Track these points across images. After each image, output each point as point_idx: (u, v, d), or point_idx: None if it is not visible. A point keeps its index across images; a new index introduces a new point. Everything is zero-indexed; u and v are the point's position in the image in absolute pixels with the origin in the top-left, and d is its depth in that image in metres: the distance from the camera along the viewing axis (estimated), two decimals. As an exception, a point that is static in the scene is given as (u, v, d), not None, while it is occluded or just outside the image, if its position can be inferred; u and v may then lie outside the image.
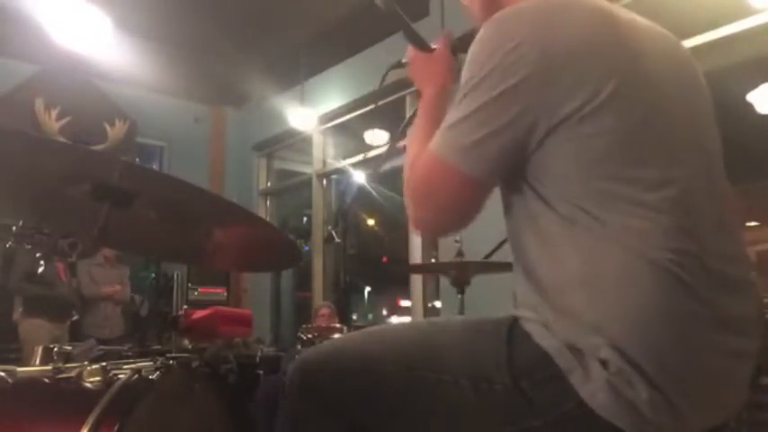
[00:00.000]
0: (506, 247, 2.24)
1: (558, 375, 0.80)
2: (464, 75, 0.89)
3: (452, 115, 0.89)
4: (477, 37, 0.89)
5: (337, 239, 1.91)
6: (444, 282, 2.71)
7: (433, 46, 1.22)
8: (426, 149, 0.92)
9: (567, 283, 0.83)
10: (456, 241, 2.27)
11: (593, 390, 0.78)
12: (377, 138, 6.14)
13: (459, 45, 1.15)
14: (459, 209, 0.94)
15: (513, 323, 0.88)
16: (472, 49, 0.89)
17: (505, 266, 2.37)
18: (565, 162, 0.84)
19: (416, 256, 5.07)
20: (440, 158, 0.90)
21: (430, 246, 5.10)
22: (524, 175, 0.88)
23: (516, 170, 0.89)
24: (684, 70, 0.96)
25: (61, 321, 4.49)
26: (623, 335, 0.78)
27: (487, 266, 2.32)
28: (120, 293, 5.07)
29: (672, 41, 0.98)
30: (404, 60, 1.27)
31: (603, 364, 0.78)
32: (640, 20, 0.96)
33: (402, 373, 0.93)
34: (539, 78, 0.82)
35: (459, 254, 2.24)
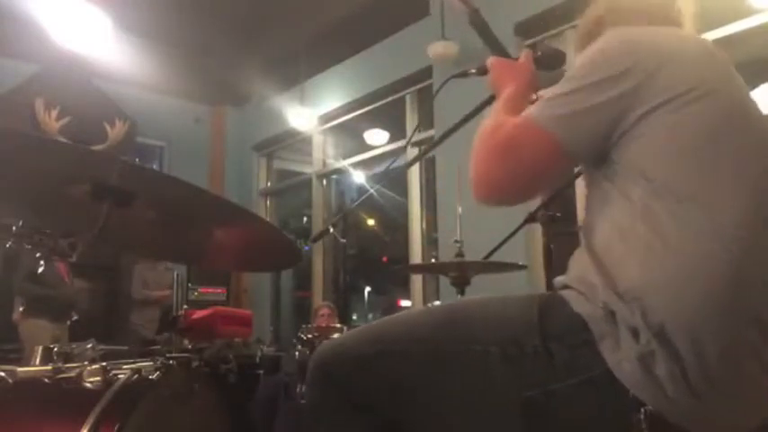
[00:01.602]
0: (506, 247, 2.25)
1: (589, 341, 0.83)
2: (574, 68, 0.96)
3: (552, 91, 0.94)
4: (599, 44, 0.97)
5: (337, 235, 1.90)
6: (444, 282, 2.72)
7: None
8: (516, 117, 0.95)
9: (624, 249, 0.86)
10: (456, 241, 2.27)
11: (620, 359, 0.80)
12: (377, 138, 6.14)
13: (541, 59, 1.24)
14: (537, 173, 0.94)
15: (549, 293, 0.92)
16: (591, 49, 0.96)
17: (505, 266, 2.38)
18: (652, 144, 0.88)
19: (416, 256, 5.07)
20: (532, 121, 0.92)
21: (430, 246, 5.11)
22: (609, 153, 0.92)
23: (603, 150, 0.93)
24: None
25: (62, 322, 4.51)
26: (664, 307, 0.80)
27: (487, 266, 2.32)
28: (169, 298, 5.24)
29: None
30: (472, 71, 1.32)
31: (635, 334, 0.80)
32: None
33: (427, 349, 0.94)
34: (641, 74, 0.89)
35: (459, 254, 2.24)
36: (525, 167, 0.93)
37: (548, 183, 0.98)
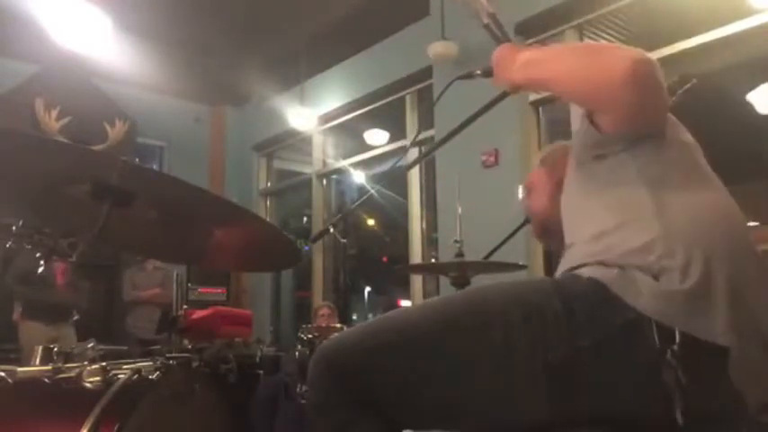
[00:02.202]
0: (506, 247, 2.25)
1: (610, 297, 0.87)
2: None
3: None
4: None
5: (337, 235, 1.90)
6: (444, 282, 2.71)
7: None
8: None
9: (635, 216, 0.94)
10: (456, 241, 2.27)
11: (646, 299, 0.85)
12: (377, 138, 6.14)
13: None
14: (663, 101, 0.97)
15: (560, 276, 0.97)
16: None
17: (505, 266, 2.38)
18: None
19: (416, 256, 5.07)
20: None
21: (430, 246, 5.10)
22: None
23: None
24: None
25: (57, 323, 4.50)
26: (684, 240, 0.89)
27: (487, 267, 2.32)
28: (159, 296, 5.19)
29: None
30: (477, 72, 1.31)
31: (656, 276, 0.87)
32: None
33: (445, 327, 0.95)
34: None
35: (459, 254, 2.24)
36: (659, 93, 0.95)
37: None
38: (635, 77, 0.88)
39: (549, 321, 0.88)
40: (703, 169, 1.02)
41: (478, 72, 1.31)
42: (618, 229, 0.94)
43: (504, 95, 1.33)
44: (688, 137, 1.04)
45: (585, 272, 0.92)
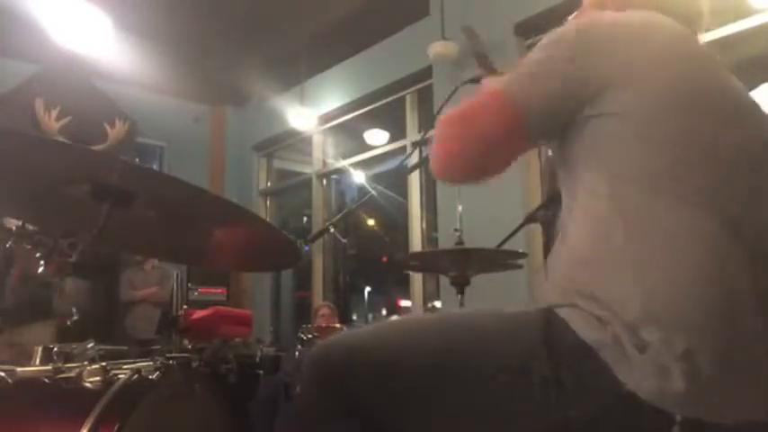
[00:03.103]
0: (506, 247, 2.24)
1: (601, 368, 0.79)
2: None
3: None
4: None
5: (337, 235, 1.91)
6: (444, 282, 2.72)
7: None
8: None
9: (612, 258, 0.83)
10: (456, 230, 2.25)
11: (638, 378, 0.77)
12: (377, 138, 6.14)
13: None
14: (490, 140, 0.91)
15: (548, 315, 0.87)
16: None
17: (506, 254, 2.34)
18: (610, 140, 0.87)
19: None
20: (495, 87, 0.91)
21: (430, 246, 5.10)
22: (574, 152, 0.91)
23: (567, 146, 0.92)
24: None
25: (18, 328, 4.40)
26: (666, 311, 0.78)
27: (488, 254, 2.26)
28: (156, 295, 5.19)
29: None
30: (485, 75, 1.34)
31: (641, 348, 0.77)
32: None
33: (434, 367, 0.90)
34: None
35: (459, 242, 2.20)
36: (477, 133, 0.91)
37: (502, 155, 0.93)
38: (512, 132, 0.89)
39: (537, 388, 0.83)
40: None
41: (485, 75, 1.33)
42: (596, 266, 0.84)
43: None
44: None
45: (575, 322, 0.83)
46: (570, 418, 0.81)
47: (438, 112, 1.52)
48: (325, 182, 6.43)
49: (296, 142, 6.67)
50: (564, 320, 0.85)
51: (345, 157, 6.23)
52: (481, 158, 0.94)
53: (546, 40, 0.95)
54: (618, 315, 0.80)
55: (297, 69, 6.03)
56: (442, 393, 0.90)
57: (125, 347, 1.81)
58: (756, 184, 0.88)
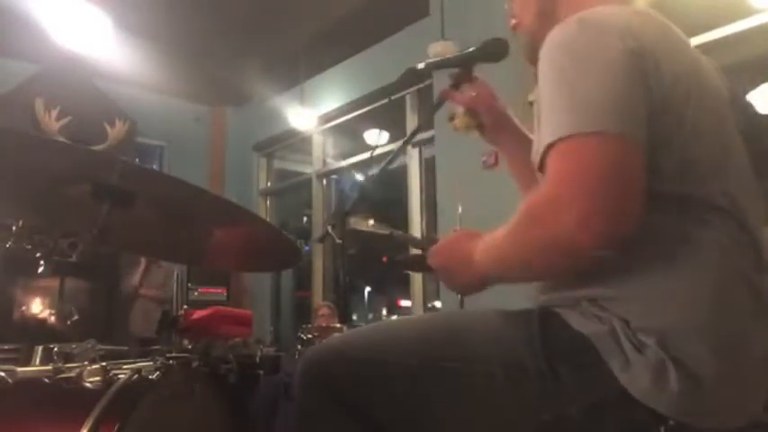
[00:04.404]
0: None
1: (597, 361, 0.79)
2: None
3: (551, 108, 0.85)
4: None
5: (334, 236, 1.90)
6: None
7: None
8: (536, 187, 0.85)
9: (611, 261, 0.79)
10: (456, 230, 2.26)
11: (633, 376, 0.77)
12: (377, 138, 6.14)
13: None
14: (629, 179, 0.76)
15: (544, 311, 0.87)
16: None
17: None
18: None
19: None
20: (596, 133, 0.76)
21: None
22: None
23: None
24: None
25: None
26: (671, 319, 0.78)
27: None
28: (156, 294, 5.20)
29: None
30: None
31: (639, 349, 0.77)
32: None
33: (428, 365, 0.90)
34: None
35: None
36: (636, 188, 0.77)
37: (642, 184, 0.77)
38: (583, 232, 0.74)
39: (533, 383, 0.83)
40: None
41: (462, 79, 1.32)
42: (595, 268, 0.82)
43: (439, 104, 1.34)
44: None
45: (572, 318, 0.84)
46: (566, 411, 0.82)
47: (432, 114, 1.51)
48: (325, 182, 6.43)
49: (296, 142, 6.67)
50: (561, 316, 0.85)
51: (345, 157, 6.23)
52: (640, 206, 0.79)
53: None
54: (617, 316, 0.80)
55: (297, 69, 6.02)
56: (439, 392, 0.90)
57: (125, 347, 1.81)
58: (752, 184, 0.89)
